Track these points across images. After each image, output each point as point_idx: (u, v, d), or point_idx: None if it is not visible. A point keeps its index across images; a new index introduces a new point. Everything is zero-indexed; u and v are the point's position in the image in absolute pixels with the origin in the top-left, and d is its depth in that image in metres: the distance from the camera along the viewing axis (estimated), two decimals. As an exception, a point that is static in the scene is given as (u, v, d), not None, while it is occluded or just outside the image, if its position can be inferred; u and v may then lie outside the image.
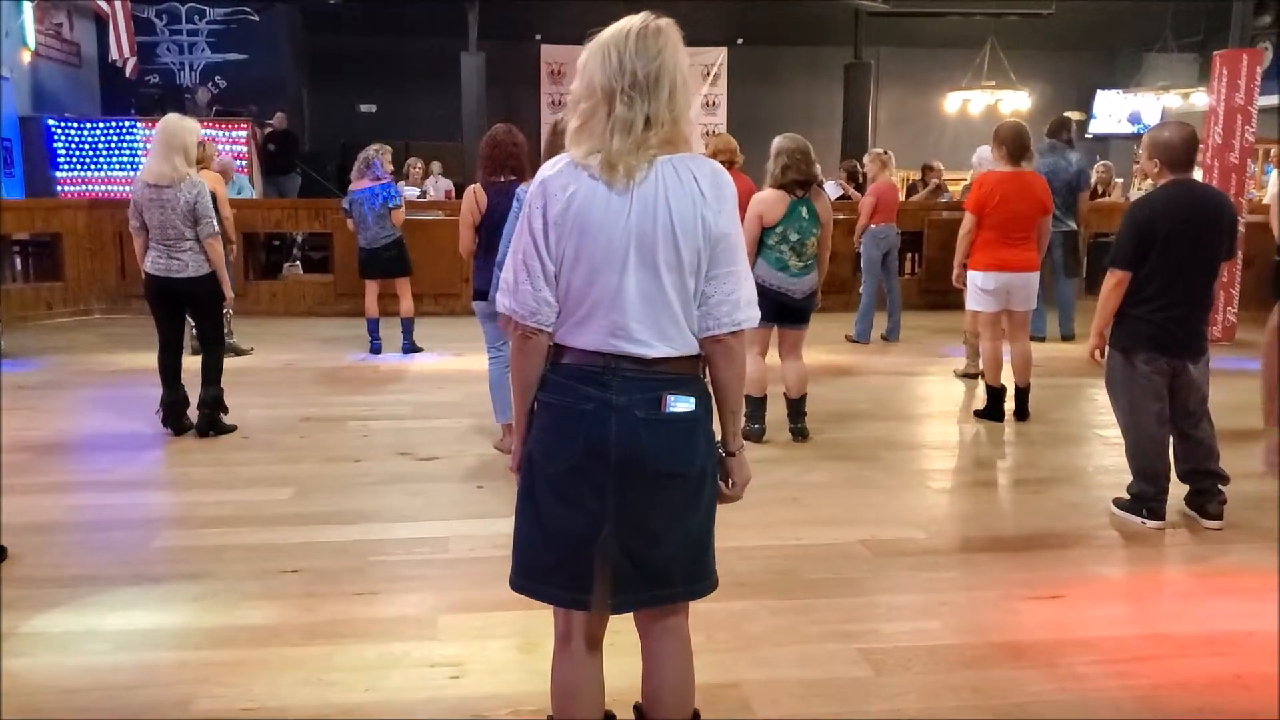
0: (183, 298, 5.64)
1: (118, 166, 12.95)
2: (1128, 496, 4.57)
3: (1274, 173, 13.65)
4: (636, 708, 2.37)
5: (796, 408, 5.82)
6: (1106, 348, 4.57)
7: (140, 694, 2.97)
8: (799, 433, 5.81)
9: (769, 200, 5.46)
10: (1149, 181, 5.16)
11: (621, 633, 2.39)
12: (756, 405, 5.78)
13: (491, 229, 5.05)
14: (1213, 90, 9.37)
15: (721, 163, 6.97)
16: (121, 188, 12.77)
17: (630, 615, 2.27)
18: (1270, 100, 12.45)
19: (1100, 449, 5.85)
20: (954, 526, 4.58)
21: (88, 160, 12.91)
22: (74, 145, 12.81)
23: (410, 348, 8.50)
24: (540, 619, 3.45)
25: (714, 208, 2.05)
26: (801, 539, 4.26)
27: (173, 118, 5.64)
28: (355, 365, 8.07)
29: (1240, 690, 3.06)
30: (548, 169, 2.08)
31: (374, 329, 8.48)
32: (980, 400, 6.66)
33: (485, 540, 4.14)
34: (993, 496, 5.12)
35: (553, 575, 2.16)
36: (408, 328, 8.52)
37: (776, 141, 5.52)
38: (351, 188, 8.25)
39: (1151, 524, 4.45)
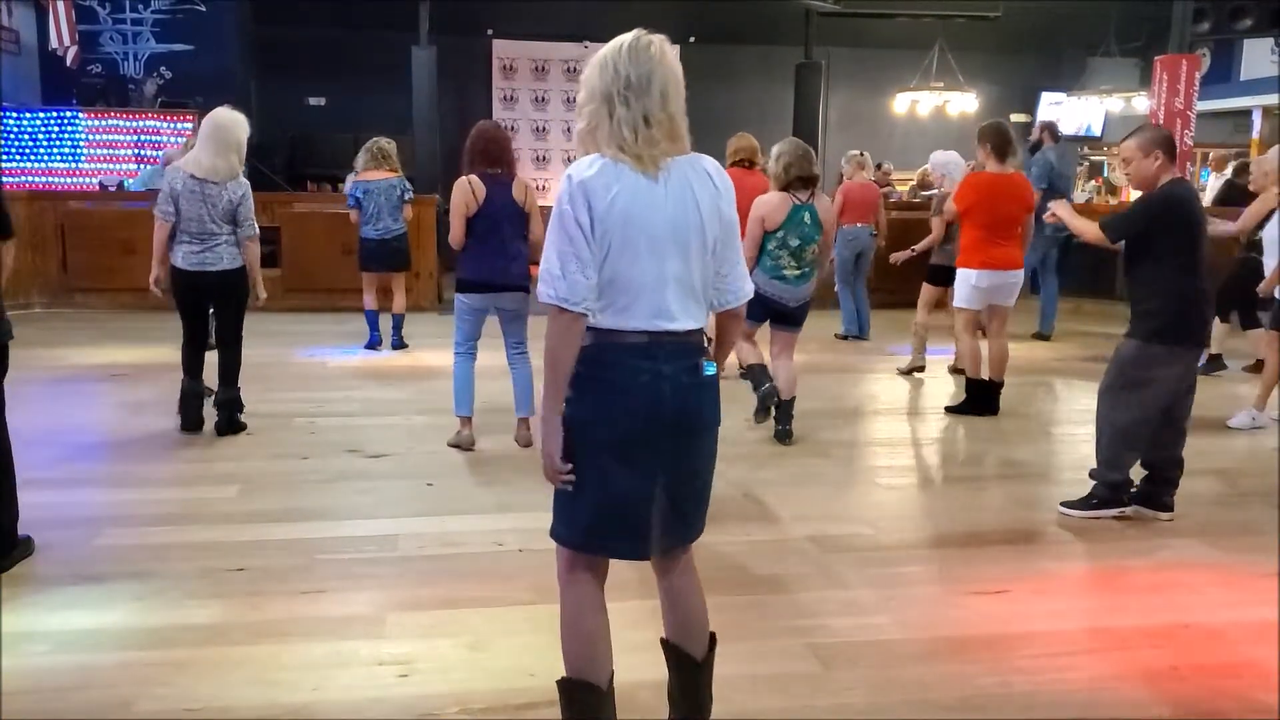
0: (214, 290, 5.60)
1: (59, 158, 12.68)
2: (1096, 496, 4.54)
3: (1209, 176, 13.96)
4: (664, 642, 2.56)
5: (786, 409, 5.76)
6: (1130, 340, 4.45)
7: (80, 695, 2.92)
8: (784, 435, 5.75)
9: (771, 204, 5.46)
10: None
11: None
12: (762, 371, 5.77)
13: (488, 219, 5.18)
14: (1153, 94, 9.58)
15: (742, 161, 7.15)
16: (63, 179, 12.50)
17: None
18: (1208, 105, 12.74)
19: (1048, 447, 5.96)
20: (902, 522, 4.64)
21: (28, 151, 12.62)
22: (13, 135, 12.51)
23: (399, 344, 8.42)
24: (488, 617, 3.45)
25: (726, 198, 2.41)
26: (751, 535, 4.29)
27: (225, 112, 5.53)
28: (303, 361, 7.97)
29: (1176, 681, 3.13)
30: (584, 169, 2.28)
31: (374, 321, 8.36)
32: (949, 396, 6.83)
33: (434, 538, 4.12)
34: (940, 492, 5.18)
35: (619, 531, 2.40)
36: (399, 323, 8.44)
37: (776, 146, 5.62)
38: (360, 177, 8.09)
39: (1132, 510, 4.53)
